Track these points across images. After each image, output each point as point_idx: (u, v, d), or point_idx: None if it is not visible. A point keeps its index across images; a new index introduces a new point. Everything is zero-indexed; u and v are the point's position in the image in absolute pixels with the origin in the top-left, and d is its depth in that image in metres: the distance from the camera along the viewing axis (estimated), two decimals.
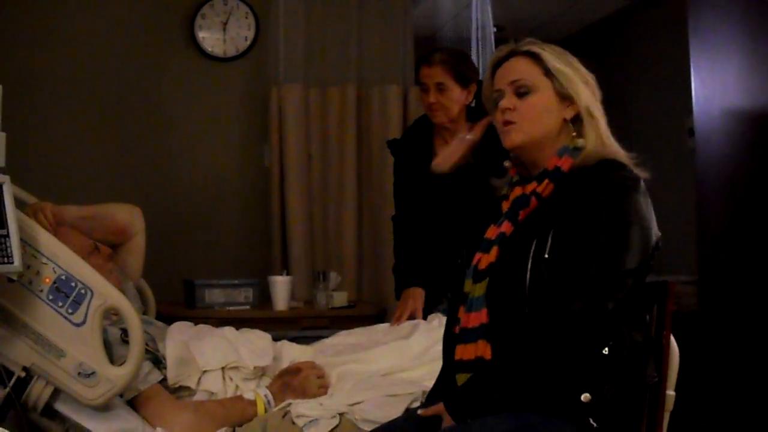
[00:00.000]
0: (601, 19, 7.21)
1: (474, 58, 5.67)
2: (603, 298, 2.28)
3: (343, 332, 3.70)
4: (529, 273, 2.37)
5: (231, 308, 4.28)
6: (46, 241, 2.77)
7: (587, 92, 2.52)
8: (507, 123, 2.52)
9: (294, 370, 3.12)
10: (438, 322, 3.45)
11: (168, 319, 3.93)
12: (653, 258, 2.42)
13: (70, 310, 2.74)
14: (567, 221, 2.36)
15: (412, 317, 3.80)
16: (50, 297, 2.74)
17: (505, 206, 2.55)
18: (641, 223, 2.36)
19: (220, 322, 4.01)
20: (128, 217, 3.60)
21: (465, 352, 2.46)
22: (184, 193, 5.39)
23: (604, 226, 2.32)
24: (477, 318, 2.44)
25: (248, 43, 5.47)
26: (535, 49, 2.53)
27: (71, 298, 2.74)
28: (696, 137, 4.81)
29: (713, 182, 4.71)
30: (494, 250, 2.47)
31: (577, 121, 2.52)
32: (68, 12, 5.31)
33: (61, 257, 2.76)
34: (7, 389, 2.73)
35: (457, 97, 3.91)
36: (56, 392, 2.78)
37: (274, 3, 5.35)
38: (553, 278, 2.33)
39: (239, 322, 4.07)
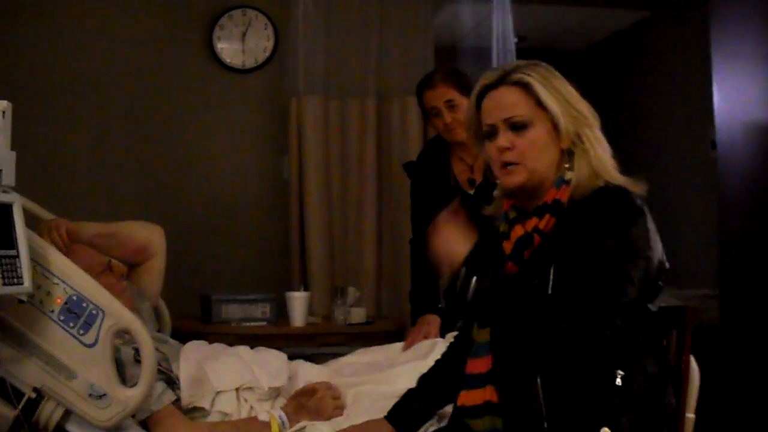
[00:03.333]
0: (622, 30, 7.15)
1: (495, 47, 5.58)
2: (594, 319, 2.23)
3: (360, 350, 3.66)
4: (530, 308, 2.33)
5: (247, 324, 4.22)
6: (58, 260, 2.73)
7: (577, 120, 2.43)
8: (506, 162, 2.45)
9: (309, 391, 3.07)
10: None
11: (183, 335, 3.90)
12: (660, 279, 2.36)
13: (81, 331, 2.70)
14: (567, 257, 2.31)
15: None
16: (61, 317, 2.70)
17: (507, 246, 2.47)
18: (641, 253, 2.29)
19: (236, 338, 4.09)
20: (148, 236, 3.53)
21: (469, 397, 2.41)
22: (202, 206, 5.34)
23: (603, 262, 2.26)
24: (483, 363, 2.41)
25: (267, 54, 5.43)
26: (526, 78, 2.42)
27: (82, 319, 2.70)
28: (718, 149, 4.75)
29: (735, 195, 4.66)
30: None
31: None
32: (84, 23, 5.29)
33: (72, 277, 2.72)
34: (17, 410, 2.69)
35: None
36: (67, 413, 2.74)
37: (293, 13, 5.30)
38: (556, 312, 2.29)
39: (256, 338, 4.12)
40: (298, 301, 4.17)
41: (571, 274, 2.29)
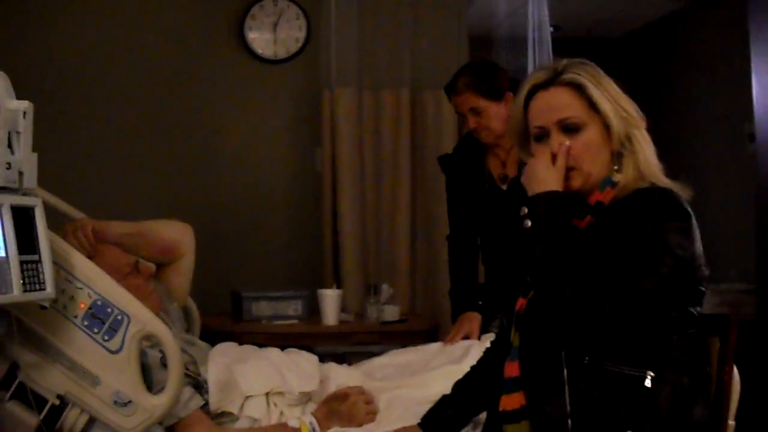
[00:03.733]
0: (659, 19, 7.03)
1: (530, 59, 5.52)
2: (597, 296, 2.15)
3: (394, 351, 3.60)
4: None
5: (279, 322, 4.14)
6: (81, 264, 2.66)
7: (626, 121, 2.36)
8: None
9: (341, 396, 3.00)
10: None
11: (213, 334, 3.86)
12: (700, 284, 2.28)
13: (106, 337, 2.64)
14: (599, 258, 2.22)
15: (466, 338, 3.70)
16: (85, 323, 2.65)
17: None
18: (671, 250, 2.18)
19: (267, 337, 4.06)
20: (177, 236, 3.45)
21: (509, 402, 2.33)
22: (233, 200, 5.27)
23: (630, 251, 2.18)
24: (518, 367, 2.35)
25: (299, 44, 5.34)
26: (579, 79, 2.34)
27: (107, 325, 2.64)
28: (757, 142, 4.65)
29: None
30: (532, 295, 2.35)
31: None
32: (111, 14, 5.22)
33: (96, 282, 2.65)
34: (40, 419, 2.63)
35: (494, 113, 3.79)
36: (91, 421, 2.69)
37: (325, 3, 5.21)
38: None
39: (287, 337, 4.08)
40: (330, 299, 4.09)
41: (602, 264, 2.20)
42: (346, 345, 4.09)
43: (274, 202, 5.30)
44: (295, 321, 4.23)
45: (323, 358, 4.28)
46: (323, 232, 5.15)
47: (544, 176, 2.30)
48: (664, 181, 2.34)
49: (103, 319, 2.64)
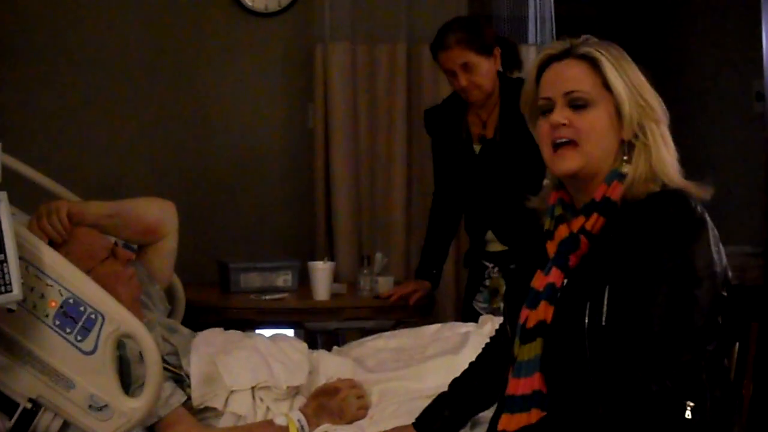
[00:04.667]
0: None
1: (531, 11, 5.31)
2: (672, 369, 2.01)
3: (387, 333, 3.46)
4: (587, 339, 2.08)
5: (268, 297, 3.99)
6: (52, 260, 2.51)
7: (643, 110, 2.19)
8: (560, 142, 2.19)
9: (331, 390, 2.86)
10: (490, 328, 3.16)
11: (199, 310, 3.74)
12: (724, 290, 2.13)
13: (79, 337, 2.51)
14: (623, 276, 2.07)
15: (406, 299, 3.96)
16: (57, 322, 2.51)
17: (551, 248, 2.24)
18: (705, 272, 2.05)
19: (256, 312, 3.94)
20: (159, 214, 3.27)
21: (511, 422, 2.17)
22: (221, 161, 5.11)
23: (665, 291, 2.03)
24: (528, 384, 2.18)
25: None
26: (595, 53, 2.18)
27: (80, 324, 2.50)
28: (766, 101, 4.49)
29: None
30: (543, 306, 2.17)
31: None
32: None
33: (68, 278, 2.50)
34: (11, 424, 2.50)
35: (486, 70, 3.75)
36: (66, 425, 2.57)
37: None
38: (614, 347, 2.05)
39: (276, 313, 3.97)
40: (321, 273, 3.92)
41: (628, 300, 2.05)
42: (338, 320, 3.94)
43: (264, 162, 5.15)
44: (285, 294, 4.07)
45: (315, 335, 4.18)
46: (315, 194, 5.01)
47: None
48: (677, 182, 2.17)
49: (75, 318, 2.50)
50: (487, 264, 3.90)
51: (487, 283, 3.89)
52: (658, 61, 6.06)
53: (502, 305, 3.76)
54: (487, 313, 3.80)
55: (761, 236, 4.95)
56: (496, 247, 3.89)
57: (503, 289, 3.81)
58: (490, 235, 3.89)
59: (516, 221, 3.69)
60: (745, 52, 5.35)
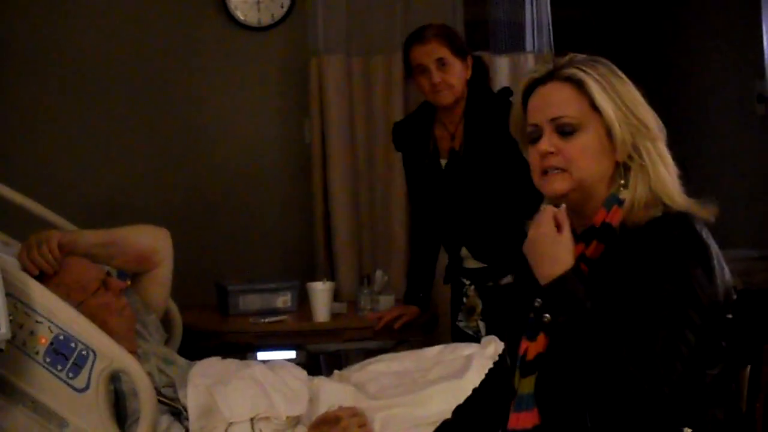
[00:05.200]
0: None
1: (527, 11, 5.23)
2: (650, 376, 1.92)
3: (389, 356, 3.39)
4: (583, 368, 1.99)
5: (267, 320, 3.91)
6: (41, 295, 2.46)
7: (636, 130, 2.09)
8: (550, 170, 2.11)
9: (332, 419, 2.80)
10: (494, 350, 3.09)
11: (197, 335, 3.69)
12: (727, 312, 2.07)
13: (70, 374, 2.46)
14: (620, 302, 1.98)
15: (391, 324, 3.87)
16: (47, 359, 2.47)
17: None
18: (703, 293, 1.98)
19: (255, 336, 3.87)
20: (152, 243, 3.21)
21: None
22: (216, 178, 5.01)
23: (661, 310, 1.95)
24: (528, 418, 2.10)
25: (284, 10, 5.04)
26: (579, 75, 2.09)
27: (71, 361, 2.46)
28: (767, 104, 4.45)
29: None
30: (542, 338, 2.09)
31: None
32: None
33: (57, 314, 2.46)
34: None
35: (459, 71, 3.70)
36: None
37: None
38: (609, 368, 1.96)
39: (276, 336, 3.92)
40: (320, 294, 3.85)
41: (625, 322, 1.96)
42: (338, 341, 3.87)
43: (261, 179, 5.06)
44: (284, 317, 3.99)
45: (315, 357, 4.11)
46: (314, 211, 4.93)
47: (551, 253, 2.04)
48: (680, 203, 2.08)
49: (66, 355, 2.46)
50: (465, 281, 3.82)
51: (465, 300, 3.81)
52: (658, 65, 6.06)
53: (479, 323, 3.72)
54: (469, 332, 3.76)
55: (766, 240, 4.92)
56: (472, 263, 3.80)
57: (479, 308, 3.76)
58: (464, 251, 3.81)
59: (490, 236, 3.66)
60: (746, 54, 5.31)
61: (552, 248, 2.03)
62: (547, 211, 2.07)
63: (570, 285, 2.00)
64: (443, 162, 3.80)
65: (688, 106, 5.82)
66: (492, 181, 3.65)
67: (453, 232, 3.84)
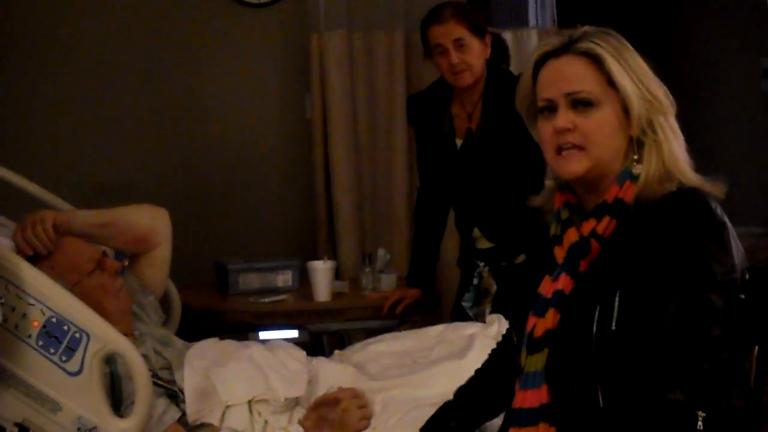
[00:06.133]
0: None
1: None
2: (687, 379, 1.90)
3: (391, 335, 3.34)
4: (594, 345, 1.97)
5: (268, 299, 3.88)
6: (33, 277, 2.42)
7: (651, 105, 2.05)
8: (565, 146, 2.05)
9: (332, 401, 2.74)
10: (497, 329, 3.05)
11: (196, 314, 3.66)
12: (741, 292, 2.01)
13: (63, 358, 2.42)
14: (635, 281, 1.95)
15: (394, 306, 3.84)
16: (40, 343, 2.43)
17: (559, 253, 2.11)
18: (725, 277, 1.94)
19: (255, 315, 3.84)
20: (151, 223, 3.15)
21: None
22: (217, 156, 4.98)
23: (681, 294, 1.92)
24: (535, 396, 2.06)
25: None
26: (597, 49, 2.03)
27: (64, 344, 2.42)
28: None
29: None
30: (551, 314, 2.05)
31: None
32: None
33: (50, 296, 2.41)
34: None
35: (478, 51, 3.63)
36: None
37: None
38: (624, 353, 1.95)
39: (276, 315, 3.88)
40: (321, 273, 3.81)
41: (641, 305, 1.93)
42: (340, 321, 3.83)
43: (262, 157, 5.03)
44: (285, 296, 3.96)
45: (318, 336, 4.07)
46: (315, 188, 4.89)
47: None
48: (692, 179, 2.04)
49: (59, 338, 2.42)
50: (478, 263, 3.77)
51: (476, 282, 3.76)
52: (662, 41, 5.99)
53: (489, 308, 3.67)
54: (473, 313, 3.71)
55: None
56: (484, 244, 3.76)
57: (494, 290, 3.70)
58: (476, 232, 3.76)
59: (503, 217, 3.61)
60: (752, 29, 5.27)
61: None
62: None
63: None
64: (459, 142, 3.75)
65: (692, 82, 5.77)
66: (508, 163, 3.59)
67: (466, 213, 3.79)
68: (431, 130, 3.81)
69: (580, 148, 2.03)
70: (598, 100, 2.03)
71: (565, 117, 2.03)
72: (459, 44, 3.59)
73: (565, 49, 2.07)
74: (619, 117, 2.04)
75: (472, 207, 3.75)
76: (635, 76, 2.03)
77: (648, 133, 2.05)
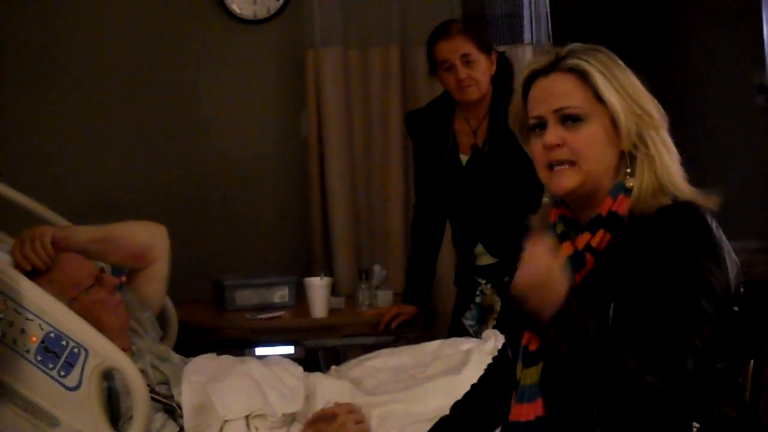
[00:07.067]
0: None
1: (526, 9, 5.19)
2: (673, 355, 1.88)
3: (387, 351, 3.37)
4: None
5: (264, 316, 3.88)
6: (31, 292, 2.42)
7: (640, 119, 2.06)
8: (556, 163, 2.07)
9: (329, 416, 2.77)
10: (493, 345, 3.06)
11: (194, 331, 3.66)
12: (734, 305, 2.03)
13: (62, 373, 2.43)
14: (629, 293, 1.96)
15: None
16: (38, 358, 2.43)
17: None
18: (716, 286, 1.94)
19: (252, 332, 3.82)
20: (149, 239, 3.17)
21: None
22: (214, 170, 4.99)
23: (673, 300, 1.92)
24: (531, 410, 2.06)
25: (280, 3, 5.01)
26: (583, 65, 2.05)
27: (63, 359, 2.42)
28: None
29: None
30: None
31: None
32: None
33: (48, 312, 2.42)
34: None
35: (484, 67, 3.66)
36: None
37: None
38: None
39: (273, 332, 3.86)
40: (318, 290, 3.80)
41: (635, 318, 1.94)
42: (336, 337, 3.83)
43: (257, 173, 5.04)
44: (281, 312, 3.95)
45: (314, 352, 4.08)
46: (311, 204, 4.89)
47: (546, 280, 1.96)
48: (686, 192, 2.05)
49: (57, 353, 2.43)
50: (479, 280, 3.76)
51: (478, 300, 3.75)
52: (657, 56, 6.02)
53: (494, 325, 3.65)
54: (474, 331, 3.71)
55: (766, 231, 4.90)
56: (485, 260, 3.75)
57: (498, 306, 3.70)
58: (479, 248, 3.75)
59: (507, 232, 3.60)
60: (747, 45, 5.28)
61: (546, 277, 1.96)
62: (537, 241, 2.01)
63: (567, 317, 1.95)
64: (464, 158, 3.75)
65: (688, 97, 5.79)
66: (514, 179, 3.59)
67: (469, 229, 3.79)
68: (433, 146, 3.81)
69: (571, 163, 2.05)
70: (586, 114, 2.04)
71: (554, 133, 2.05)
72: (466, 60, 3.60)
73: (553, 66, 2.09)
74: (608, 131, 2.05)
75: (475, 222, 3.74)
76: (623, 90, 2.05)
77: (640, 147, 2.06)
